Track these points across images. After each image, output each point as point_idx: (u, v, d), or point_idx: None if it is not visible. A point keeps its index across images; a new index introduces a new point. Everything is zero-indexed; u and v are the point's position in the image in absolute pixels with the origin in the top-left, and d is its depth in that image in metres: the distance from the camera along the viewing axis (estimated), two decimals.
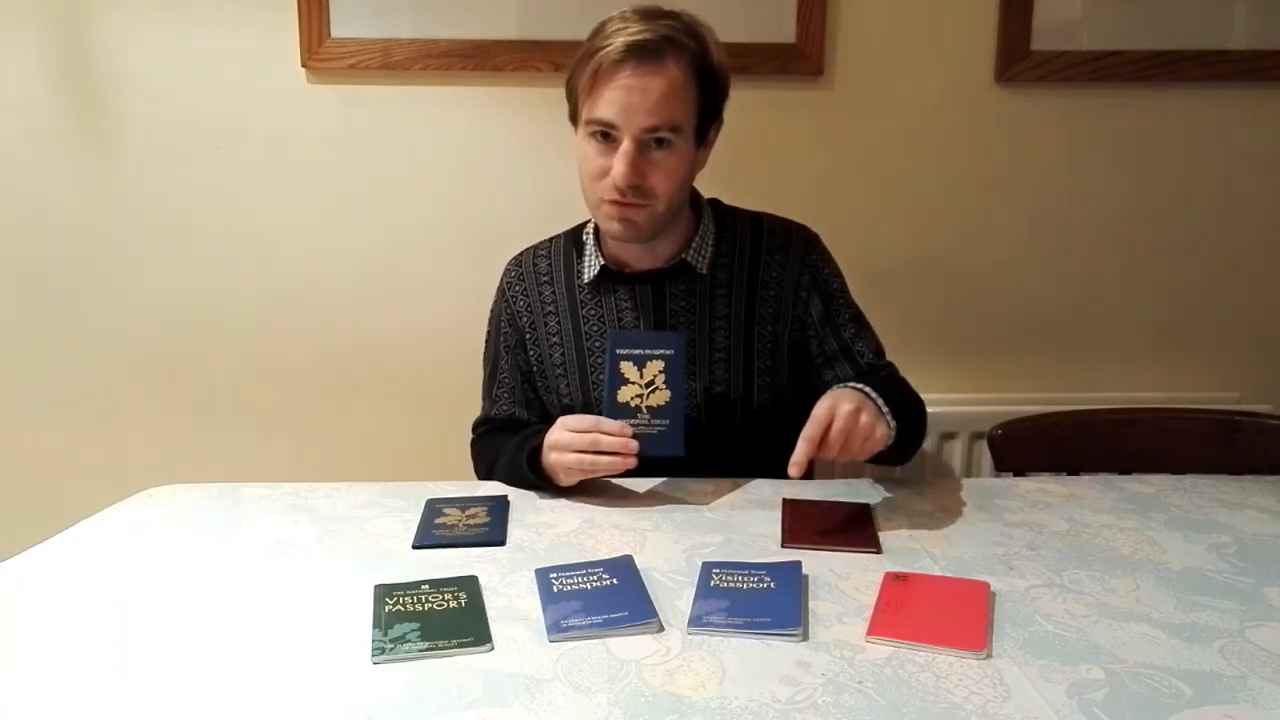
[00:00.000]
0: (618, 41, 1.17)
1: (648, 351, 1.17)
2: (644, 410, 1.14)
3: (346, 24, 1.75)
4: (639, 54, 1.17)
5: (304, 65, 1.76)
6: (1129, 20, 1.76)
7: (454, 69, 1.76)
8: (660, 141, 1.21)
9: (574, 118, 1.27)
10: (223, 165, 1.81)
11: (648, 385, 1.16)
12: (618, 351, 1.18)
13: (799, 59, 1.75)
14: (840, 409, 1.08)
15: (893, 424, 1.13)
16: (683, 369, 1.18)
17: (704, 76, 1.23)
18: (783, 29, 1.73)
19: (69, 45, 1.77)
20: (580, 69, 1.22)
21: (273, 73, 1.77)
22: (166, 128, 1.80)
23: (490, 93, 1.79)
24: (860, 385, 1.16)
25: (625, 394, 1.15)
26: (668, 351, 1.17)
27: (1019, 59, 1.77)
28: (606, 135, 1.21)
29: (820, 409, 1.09)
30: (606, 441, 1.15)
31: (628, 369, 1.17)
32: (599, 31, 1.22)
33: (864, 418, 1.09)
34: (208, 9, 1.75)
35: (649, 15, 1.21)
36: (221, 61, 1.77)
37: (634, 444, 1.14)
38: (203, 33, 1.76)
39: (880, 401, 1.14)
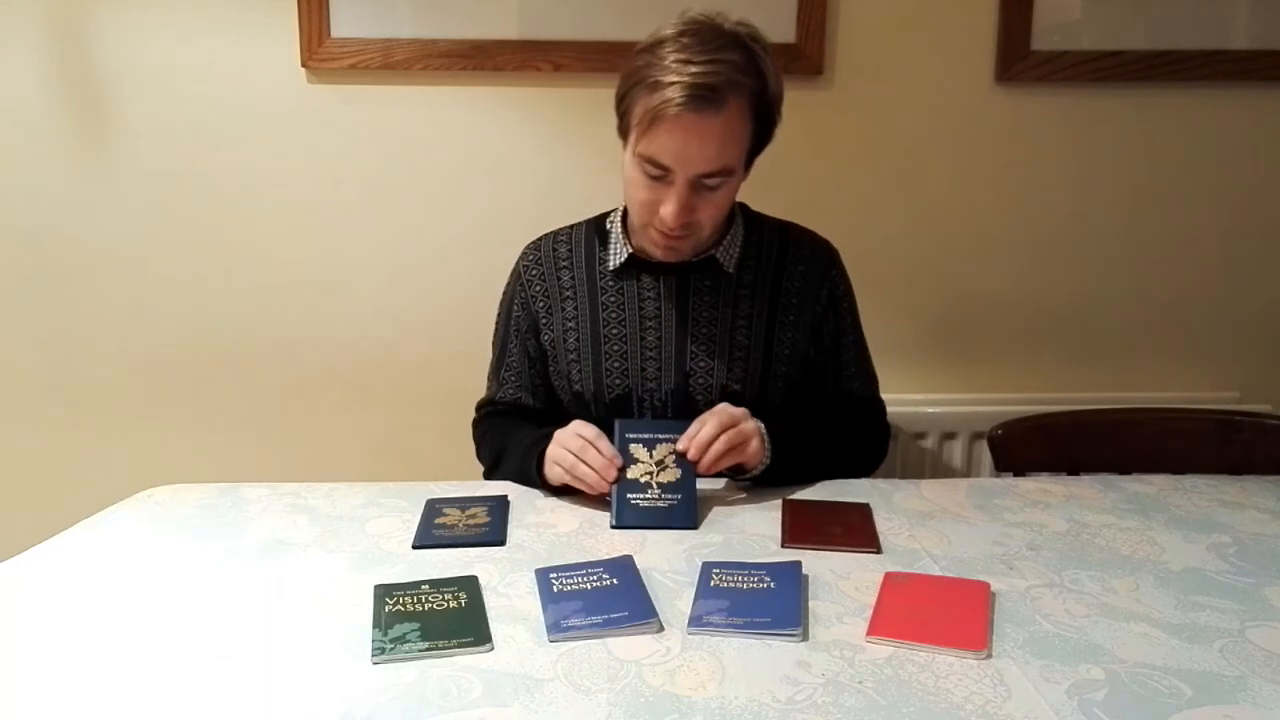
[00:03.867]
0: (678, 83, 1.13)
1: (657, 436, 1.19)
2: (654, 486, 1.15)
3: (346, 24, 1.75)
4: (698, 103, 1.14)
5: (304, 65, 1.76)
6: (1129, 20, 1.76)
7: (454, 69, 1.76)
8: (712, 183, 1.21)
9: (622, 133, 1.25)
10: (223, 165, 1.81)
11: (658, 464, 1.17)
12: (626, 436, 1.19)
13: (799, 59, 1.75)
14: (736, 414, 1.20)
15: (767, 457, 1.20)
16: None
17: (761, 111, 1.21)
18: (783, 29, 1.73)
19: (69, 45, 1.77)
20: (635, 96, 1.19)
21: (273, 73, 1.77)
22: (166, 128, 1.80)
23: (490, 93, 1.79)
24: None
25: (635, 471, 1.16)
26: (677, 436, 1.19)
27: (1019, 59, 1.77)
28: (659, 173, 1.20)
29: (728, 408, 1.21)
30: (592, 456, 1.16)
31: (637, 450, 1.18)
32: (655, 54, 1.17)
33: (747, 424, 1.19)
34: (208, 9, 1.75)
35: (709, 42, 1.16)
36: (221, 61, 1.77)
37: (612, 473, 1.15)
38: (203, 33, 1.76)
39: (765, 433, 1.21)
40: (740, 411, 1.20)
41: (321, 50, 1.75)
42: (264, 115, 1.79)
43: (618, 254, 1.35)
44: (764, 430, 1.21)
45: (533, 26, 1.75)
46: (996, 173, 1.83)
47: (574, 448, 1.18)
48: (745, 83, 1.17)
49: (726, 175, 1.21)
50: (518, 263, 1.44)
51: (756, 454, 1.19)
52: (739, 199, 1.39)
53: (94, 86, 1.78)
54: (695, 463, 1.16)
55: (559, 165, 1.81)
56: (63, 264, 1.84)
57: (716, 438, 1.17)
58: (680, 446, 1.17)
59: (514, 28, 1.75)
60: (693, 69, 1.14)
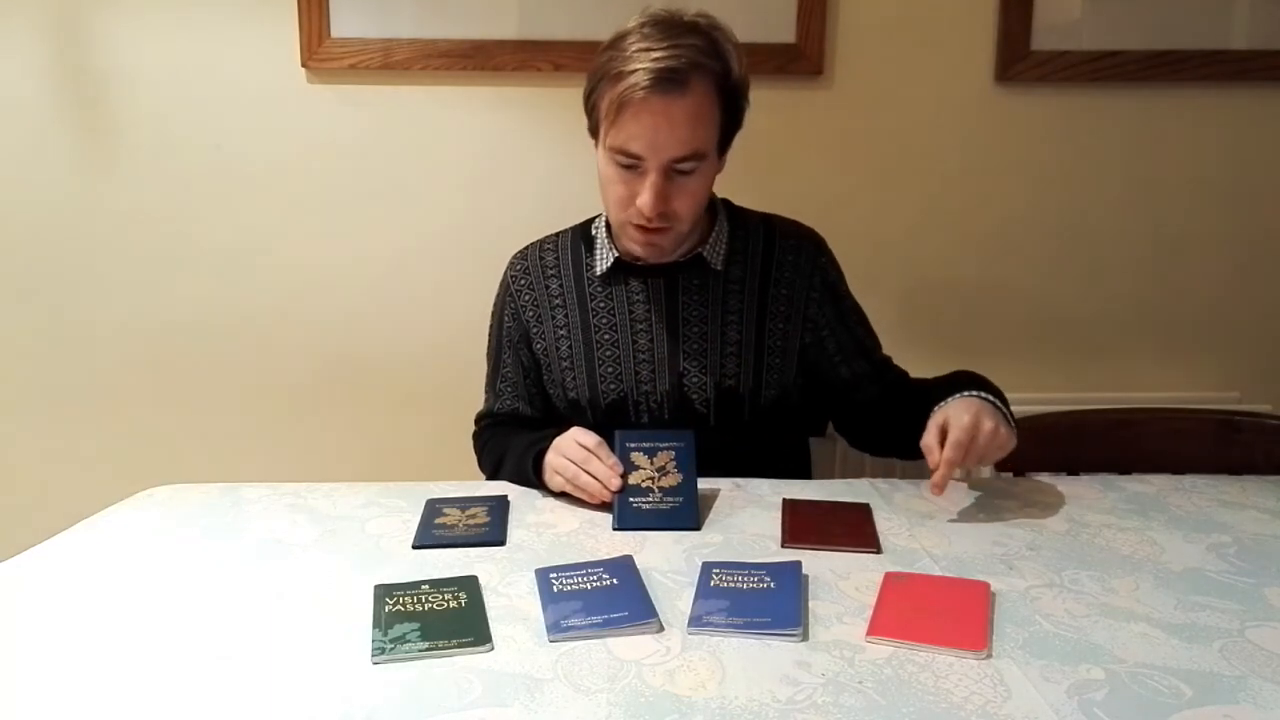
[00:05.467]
0: (641, 70, 1.14)
1: (657, 444, 1.19)
2: (656, 490, 1.16)
3: (346, 24, 1.75)
4: (664, 85, 1.15)
5: (304, 65, 1.76)
6: (1129, 20, 1.76)
7: (454, 69, 1.76)
8: (685, 168, 1.21)
9: (593, 132, 1.26)
10: (223, 165, 1.81)
11: (660, 470, 1.17)
12: (628, 445, 1.19)
13: (799, 59, 1.75)
14: (983, 424, 1.12)
15: (1013, 424, 1.17)
16: (693, 458, 1.18)
17: (727, 95, 1.21)
18: (783, 29, 1.73)
19: (68, 45, 1.77)
20: (602, 90, 1.20)
21: (273, 73, 1.77)
22: (166, 128, 1.80)
23: (490, 93, 1.79)
24: (974, 393, 1.18)
25: (637, 477, 1.17)
26: (677, 444, 1.19)
27: (1019, 59, 1.77)
28: (631, 163, 1.20)
29: (958, 431, 1.11)
30: (595, 466, 1.16)
31: (638, 458, 1.18)
32: (618, 48, 1.19)
33: (986, 424, 1.12)
34: (208, 9, 1.75)
35: (670, 30, 1.18)
36: (221, 61, 1.77)
37: (616, 482, 1.15)
38: (203, 33, 1.76)
39: (999, 404, 1.18)
40: (970, 421, 1.12)
41: (321, 50, 1.75)
42: (264, 115, 1.79)
43: (604, 259, 1.35)
44: (996, 404, 1.17)
45: (533, 26, 1.75)
46: (996, 172, 1.83)
47: (576, 458, 1.17)
48: (708, 65, 1.18)
49: (698, 160, 1.21)
50: (505, 273, 1.43)
51: (1007, 437, 1.15)
52: (724, 195, 1.39)
53: (94, 86, 1.78)
54: (696, 467, 1.17)
55: (559, 165, 1.81)
56: (62, 263, 1.84)
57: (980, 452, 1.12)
58: (943, 480, 1.11)
59: (514, 28, 1.75)
60: (655, 54, 1.15)
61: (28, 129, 1.80)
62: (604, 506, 1.16)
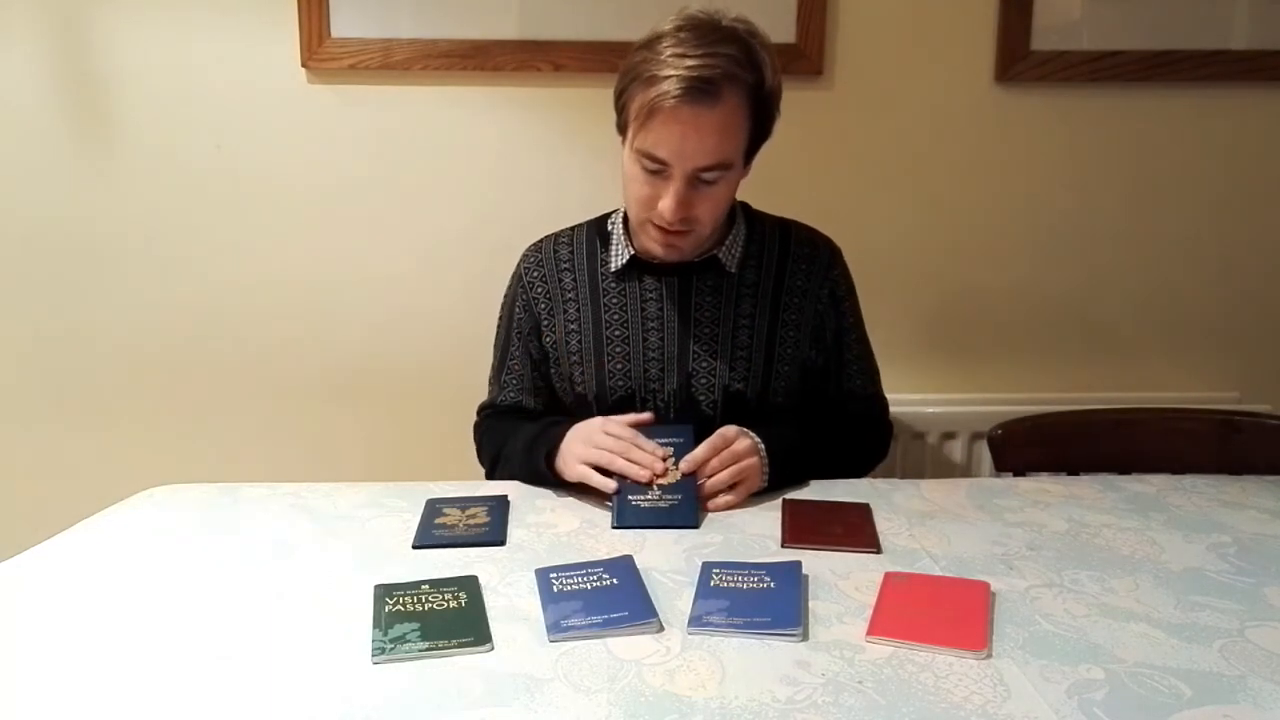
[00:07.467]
0: (674, 77, 1.14)
1: (656, 440, 1.20)
2: (655, 487, 1.16)
3: (346, 24, 1.75)
4: (695, 95, 1.14)
5: (304, 65, 1.76)
6: (1129, 20, 1.76)
7: (454, 69, 1.76)
8: (710, 177, 1.20)
9: (621, 129, 1.26)
10: (223, 165, 1.81)
11: None
12: None
13: (799, 59, 1.75)
14: (740, 443, 1.19)
15: (764, 481, 1.20)
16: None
17: (759, 105, 1.21)
18: (783, 29, 1.73)
19: (69, 45, 1.77)
20: (632, 91, 1.19)
21: (273, 73, 1.77)
22: (166, 128, 1.80)
23: (490, 93, 1.79)
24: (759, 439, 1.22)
25: None
26: (677, 440, 1.20)
27: (1019, 59, 1.77)
28: (657, 168, 1.20)
29: (715, 436, 1.19)
30: (637, 454, 1.16)
31: None
32: (652, 49, 1.17)
33: (743, 443, 1.19)
34: (208, 9, 1.75)
35: (706, 36, 1.16)
36: (221, 61, 1.77)
37: (660, 466, 1.15)
38: (203, 33, 1.76)
39: (768, 463, 1.20)
40: (733, 432, 1.20)
41: (321, 50, 1.75)
42: (264, 115, 1.79)
43: (619, 255, 1.35)
44: (763, 452, 1.20)
45: (532, 26, 1.75)
46: (996, 172, 1.83)
47: (616, 449, 1.17)
48: (742, 76, 1.17)
49: (724, 169, 1.21)
50: (519, 265, 1.43)
51: (756, 479, 1.19)
52: (740, 198, 1.39)
53: (94, 86, 1.78)
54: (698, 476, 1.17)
55: (559, 166, 1.81)
56: (62, 264, 1.84)
57: (709, 459, 1.17)
58: (684, 468, 1.17)
59: (514, 28, 1.75)
60: (689, 62, 1.14)
61: (26, 129, 1.79)
62: (604, 503, 1.16)
